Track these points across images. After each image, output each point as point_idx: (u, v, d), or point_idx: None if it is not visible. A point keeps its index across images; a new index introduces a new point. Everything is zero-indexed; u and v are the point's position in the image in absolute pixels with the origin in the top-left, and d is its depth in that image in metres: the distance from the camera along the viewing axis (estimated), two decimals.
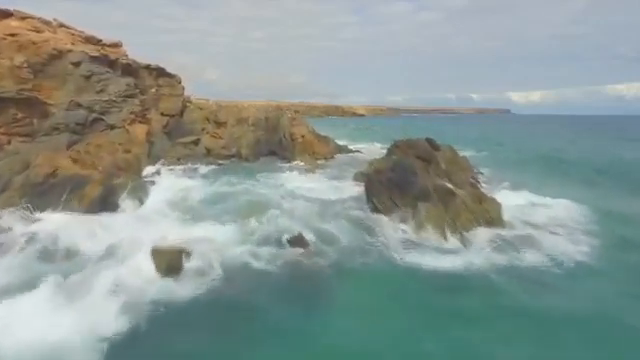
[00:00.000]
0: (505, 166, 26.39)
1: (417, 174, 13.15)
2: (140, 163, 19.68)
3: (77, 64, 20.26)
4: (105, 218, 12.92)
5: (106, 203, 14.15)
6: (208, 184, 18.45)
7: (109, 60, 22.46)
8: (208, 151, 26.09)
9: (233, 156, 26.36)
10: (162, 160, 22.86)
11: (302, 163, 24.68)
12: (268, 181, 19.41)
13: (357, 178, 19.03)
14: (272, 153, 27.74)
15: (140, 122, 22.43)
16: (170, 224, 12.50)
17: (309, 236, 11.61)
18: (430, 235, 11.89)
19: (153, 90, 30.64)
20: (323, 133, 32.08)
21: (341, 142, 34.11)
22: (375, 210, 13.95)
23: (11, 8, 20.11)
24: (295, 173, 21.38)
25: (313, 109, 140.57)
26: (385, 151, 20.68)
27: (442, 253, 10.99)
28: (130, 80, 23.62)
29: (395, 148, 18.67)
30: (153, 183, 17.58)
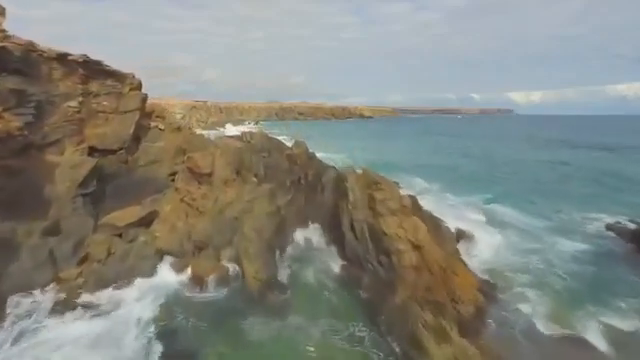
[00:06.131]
0: None
1: None
2: None
3: None
4: None
5: None
6: None
7: None
8: (164, 254, 11.36)
9: (224, 278, 10.75)
10: (34, 298, 8.58)
11: None
12: None
13: None
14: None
15: None
16: None
17: None
18: None
19: (73, 104, 16.10)
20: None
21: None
22: None
23: None
24: None
25: (318, 110, 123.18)
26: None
27: None
28: None
29: None
30: None
